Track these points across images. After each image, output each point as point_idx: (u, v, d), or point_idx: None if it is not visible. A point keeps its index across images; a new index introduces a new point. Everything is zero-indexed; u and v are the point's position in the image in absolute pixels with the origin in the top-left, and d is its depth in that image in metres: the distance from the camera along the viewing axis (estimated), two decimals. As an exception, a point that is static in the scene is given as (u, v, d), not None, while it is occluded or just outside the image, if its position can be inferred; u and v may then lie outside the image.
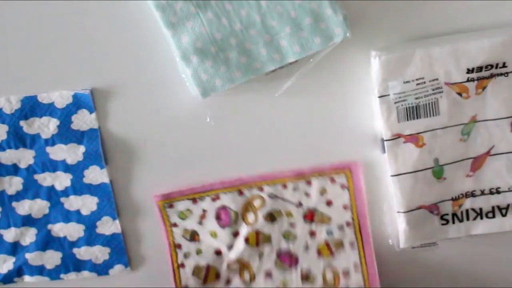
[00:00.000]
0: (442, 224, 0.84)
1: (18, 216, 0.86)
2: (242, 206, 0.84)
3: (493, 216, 0.84)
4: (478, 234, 0.84)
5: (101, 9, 0.75)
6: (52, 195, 0.85)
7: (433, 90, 0.77)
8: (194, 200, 0.84)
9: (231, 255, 0.86)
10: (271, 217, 0.84)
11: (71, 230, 0.87)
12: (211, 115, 0.81)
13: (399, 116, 0.78)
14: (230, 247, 0.86)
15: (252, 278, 0.86)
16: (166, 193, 0.85)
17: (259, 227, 0.84)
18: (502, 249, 0.84)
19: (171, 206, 0.85)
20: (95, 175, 0.84)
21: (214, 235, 0.86)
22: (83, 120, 0.81)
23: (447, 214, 0.84)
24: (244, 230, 0.85)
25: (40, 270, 0.90)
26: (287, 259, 0.85)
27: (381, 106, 0.78)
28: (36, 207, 0.86)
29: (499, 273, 0.85)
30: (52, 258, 0.89)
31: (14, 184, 0.84)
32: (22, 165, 0.84)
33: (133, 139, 0.83)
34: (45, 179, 0.84)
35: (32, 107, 0.80)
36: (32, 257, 0.88)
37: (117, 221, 0.87)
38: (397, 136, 0.79)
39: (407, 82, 0.77)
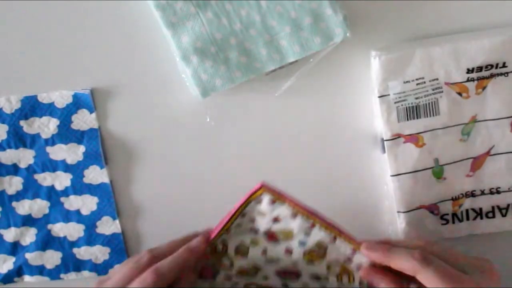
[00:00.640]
0: (442, 224, 0.84)
1: (18, 216, 0.86)
2: None
3: (493, 216, 0.84)
4: (478, 234, 0.84)
5: (101, 9, 0.75)
6: (52, 195, 0.85)
7: (433, 90, 0.77)
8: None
9: None
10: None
11: (71, 230, 0.87)
12: (211, 115, 0.81)
13: (399, 116, 0.78)
14: None
15: None
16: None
17: None
18: (502, 249, 0.83)
19: (259, 201, 0.75)
20: (95, 175, 0.84)
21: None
22: (83, 120, 0.81)
23: (447, 214, 0.83)
24: None
25: (40, 270, 0.89)
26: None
27: (381, 106, 0.78)
28: (36, 207, 0.86)
29: (499, 273, 0.84)
30: (52, 258, 0.89)
31: (14, 184, 0.84)
32: (22, 165, 0.84)
33: (133, 139, 0.83)
34: (45, 179, 0.84)
35: (32, 107, 0.80)
36: (32, 257, 0.88)
37: (117, 221, 0.87)
38: (397, 136, 0.79)
39: (407, 82, 0.77)
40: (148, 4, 0.73)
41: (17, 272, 0.89)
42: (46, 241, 0.88)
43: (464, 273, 0.64)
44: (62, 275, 0.90)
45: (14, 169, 0.84)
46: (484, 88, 0.77)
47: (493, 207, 0.83)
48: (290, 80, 0.78)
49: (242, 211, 0.74)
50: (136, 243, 0.90)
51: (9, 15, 0.76)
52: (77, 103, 0.80)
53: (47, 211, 0.86)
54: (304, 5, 0.74)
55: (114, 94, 0.80)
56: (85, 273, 0.90)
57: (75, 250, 0.89)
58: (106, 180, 0.84)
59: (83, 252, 0.89)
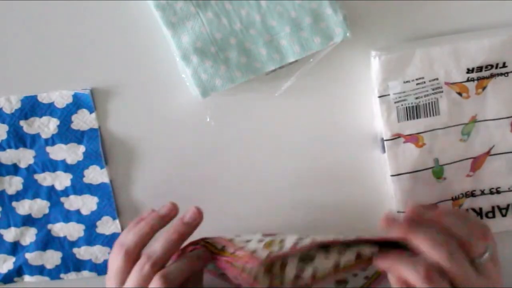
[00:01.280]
0: (442, 224, 0.84)
1: (18, 216, 0.86)
2: None
3: (493, 216, 0.84)
4: (478, 234, 0.84)
5: (101, 9, 0.75)
6: (52, 195, 0.85)
7: (433, 90, 0.77)
8: None
9: None
10: None
11: (71, 230, 0.87)
12: (211, 115, 0.81)
13: (399, 116, 0.78)
14: None
15: None
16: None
17: None
18: (501, 249, 0.83)
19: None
20: (95, 175, 0.84)
21: None
22: (83, 120, 0.81)
23: (447, 214, 0.84)
24: None
25: (40, 270, 0.89)
26: None
27: (381, 106, 0.78)
28: (36, 207, 0.86)
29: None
30: (52, 258, 0.89)
31: (14, 184, 0.84)
32: (22, 165, 0.83)
33: (133, 139, 0.83)
34: (45, 179, 0.84)
35: (32, 107, 0.80)
36: (32, 257, 0.88)
37: (117, 221, 0.87)
38: (397, 136, 0.79)
39: (407, 82, 0.77)
40: (148, 4, 0.73)
41: (17, 272, 0.89)
42: (46, 241, 0.88)
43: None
44: (62, 275, 0.90)
45: (14, 169, 0.84)
46: (484, 88, 0.77)
47: (493, 207, 0.83)
48: (290, 80, 0.78)
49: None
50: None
51: (9, 15, 0.76)
52: (77, 103, 0.80)
53: (47, 211, 0.86)
54: (304, 5, 0.74)
55: (114, 94, 0.80)
56: (85, 273, 0.90)
57: (75, 250, 0.88)
58: (106, 180, 0.84)
59: (83, 252, 0.89)
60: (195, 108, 0.80)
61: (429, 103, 0.78)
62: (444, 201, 0.82)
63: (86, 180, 0.84)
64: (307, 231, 0.75)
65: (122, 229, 0.88)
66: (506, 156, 0.80)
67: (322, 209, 0.85)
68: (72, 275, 0.90)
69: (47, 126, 0.81)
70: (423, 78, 0.77)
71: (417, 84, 0.77)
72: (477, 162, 0.81)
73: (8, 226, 0.86)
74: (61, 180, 0.84)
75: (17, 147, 0.82)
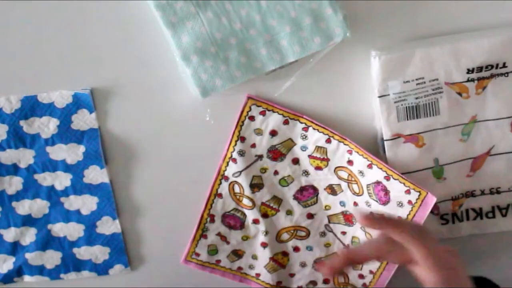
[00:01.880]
0: (442, 224, 0.84)
1: (18, 216, 0.86)
2: None
3: (493, 216, 0.84)
4: (478, 234, 0.84)
5: (101, 9, 0.75)
6: (52, 195, 0.85)
7: (433, 90, 0.77)
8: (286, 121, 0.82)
9: None
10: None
11: (71, 230, 0.87)
12: (211, 114, 0.81)
13: (399, 116, 0.78)
14: None
15: None
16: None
17: None
18: (502, 249, 0.84)
19: (251, 118, 0.82)
20: (95, 175, 0.84)
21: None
22: (83, 120, 0.81)
23: (447, 214, 0.84)
24: None
25: (40, 270, 0.90)
26: None
27: (381, 106, 0.78)
28: (36, 207, 0.86)
29: (499, 273, 0.84)
30: (52, 258, 0.89)
31: (14, 184, 0.84)
32: (22, 165, 0.83)
33: (133, 139, 0.83)
34: (45, 179, 0.84)
35: (32, 107, 0.80)
36: (32, 257, 0.88)
37: (117, 221, 0.87)
38: (397, 136, 0.79)
39: (407, 82, 0.77)
40: (148, 4, 0.73)
41: (17, 272, 0.89)
42: (46, 241, 0.88)
43: None
44: (62, 275, 0.91)
45: (14, 169, 0.84)
46: (484, 88, 0.77)
47: (493, 207, 0.83)
48: (290, 80, 0.78)
49: (240, 134, 0.80)
50: (136, 243, 0.90)
51: (9, 16, 0.76)
52: (77, 103, 0.80)
53: (47, 211, 0.86)
54: (304, 5, 0.73)
55: (114, 94, 0.80)
56: (85, 273, 0.91)
57: (75, 250, 0.89)
58: (106, 180, 0.84)
59: (83, 252, 0.89)
60: (195, 108, 0.80)
61: (429, 103, 0.78)
62: (444, 201, 0.83)
63: (86, 180, 0.84)
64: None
65: (122, 229, 0.88)
66: (506, 156, 0.81)
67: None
68: (72, 275, 0.91)
69: (47, 126, 0.81)
70: (423, 78, 0.77)
71: (417, 84, 0.77)
72: (477, 162, 0.81)
73: (8, 226, 0.87)
74: (61, 180, 0.85)
75: (17, 147, 0.82)
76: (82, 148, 0.82)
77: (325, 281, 0.90)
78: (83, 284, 0.92)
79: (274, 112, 0.80)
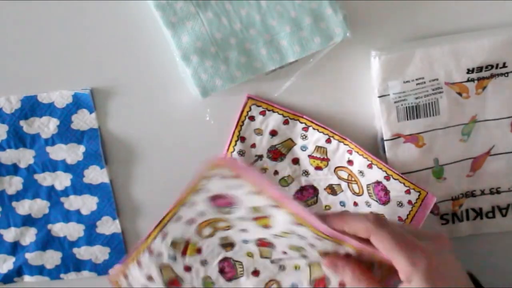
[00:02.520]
0: (442, 224, 0.84)
1: (18, 216, 0.86)
2: None
3: (493, 216, 0.84)
4: (478, 234, 0.84)
5: (101, 9, 0.75)
6: (52, 195, 0.85)
7: (433, 90, 0.77)
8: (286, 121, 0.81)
9: None
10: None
11: (71, 230, 0.87)
12: (211, 114, 0.81)
13: (399, 116, 0.78)
14: None
15: None
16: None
17: None
18: (502, 249, 0.83)
19: (251, 118, 0.81)
20: (95, 175, 0.84)
21: None
22: (83, 120, 0.81)
23: (447, 214, 0.84)
24: None
25: (40, 270, 0.89)
26: None
27: (381, 106, 0.78)
28: (36, 207, 0.86)
29: (499, 273, 0.85)
30: (52, 258, 0.89)
31: (14, 184, 0.84)
32: (22, 165, 0.83)
33: (133, 139, 0.83)
34: (45, 179, 0.84)
35: (32, 107, 0.80)
36: (32, 257, 0.88)
37: (117, 221, 0.87)
38: (397, 136, 0.79)
39: (407, 82, 0.77)
40: (148, 4, 0.73)
41: (17, 272, 0.89)
42: (46, 241, 0.88)
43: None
44: (62, 275, 0.90)
45: (14, 169, 0.83)
46: (484, 88, 0.77)
47: (493, 207, 0.83)
48: (290, 80, 0.78)
49: (240, 134, 0.80)
50: (136, 243, 0.89)
51: (9, 15, 0.76)
52: (77, 103, 0.80)
53: (47, 211, 0.86)
54: (304, 5, 0.74)
55: (114, 94, 0.80)
56: (85, 273, 0.90)
57: (75, 250, 0.89)
58: (106, 180, 0.84)
59: (83, 252, 0.89)
60: (195, 107, 0.80)
61: (429, 103, 0.78)
62: (444, 201, 0.82)
63: (86, 180, 0.84)
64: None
65: (122, 229, 0.88)
66: (506, 156, 0.80)
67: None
68: (72, 275, 0.90)
69: (47, 126, 0.81)
70: (423, 78, 0.77)
71: (417, 84, 0.77)
72: (477, 162, 0.81)
73: (8, 226, 0.86)
74: (61, 180, 0.84)
75: (17, 147, 0.82)
76: (82, 148, 0.82)
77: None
78: (83, 284, 0.92)
79: (274, 112, 0.80)
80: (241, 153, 0.81)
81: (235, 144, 0.81)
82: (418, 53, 0.76)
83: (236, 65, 0.75)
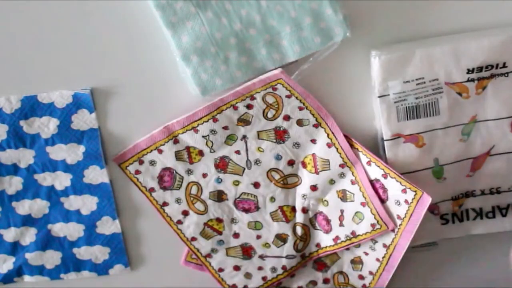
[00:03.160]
0: (442, 224, 0.84)
1: (18, 216, 0.86)
2: None
3: (493, 216, 0.84)
4: (478, 234, 0.84)
5: (101, 9, 0.75)
6: (52, 195, 0.85)
7: (433, 90, 0.77)
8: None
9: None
10: None
11: (71, 230, 0.87)
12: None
13: (399, 116, 0.78)
14: None
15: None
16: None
17: None
18: (502, 249, 0.83)
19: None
20: (95, 175, 0.84)
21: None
22: (83, 120, 0.80)
23: (447, 214, 0.84)
24: None
25: (40, 270, 0.89)
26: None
27: (381, 106, 0.78)
28: (36, 207, 0.85)
29: (499, 273, 0.85)
30: (52, 258, 0.89)
31: (14, 184, 0.84)
32: (22, 165, 0.83)
33: (133, 139, 0.82)
34: (45, 179, 0.84)
35: (32, 107, 0.79)
36: (32, 257, 0.88)
37: (117, 221, 0.87)
38: (397, 136, 0.79)
39: (407, 82, 0.77)
40: (148, 4, 0.73)
41: (17, 272, 0.89)
42: (46, 241, 0.87)
43: None
44: (62, 275, 0.90)
45: (14, 169, 0.83)
46: (484, 88, 0.77)
47: (493, 207, 0.83)
48: (290, 80, 0.78)
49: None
50: (136, 243, 0.90)
51: (10, 16, 0.75)
52: (77, 103, 0.80)
53: (47, 211, 0.86)
54: (304, 5, 0.74)
55: (114, 94, 0.80)
56: (85, 273, 0.90)
57: (75, 250, 0.88)
58: (106, 180, 0.84)
59: (83, 252, 0.89)
60: (195, 107, 0.79)
61: (429, 103, 0.78)
62: (444, 201, 0.82)
63: (86, 180, 0.84)
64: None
65: (122, 229, 0.88)
66: (506, 156, 0.80)
67: (322, 209, 0.85)
68: (72, 275, 0.90)
69: (47, 126, 0.81)
70: (423, 78, 0.77)
71: (417, 84, 0.77)
72: (477, 162, 0.81)
73: (8, 226, 0.86)
74: (61, 180, 0.84)
75: (17, 147, 0.82)
76: (82, 148, 0.82)
77: (325, 281, 0.90)
78: (83, 284, 0.92)
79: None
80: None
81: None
82: (418, 53, 0.76)
83: (236, 65, 0.75)
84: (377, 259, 0.84)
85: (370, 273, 0.87)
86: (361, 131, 0.82)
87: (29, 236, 0.87)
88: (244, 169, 0.83)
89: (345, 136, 0.80)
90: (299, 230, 0.86)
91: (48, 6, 0.75)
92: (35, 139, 0.81)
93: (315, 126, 0.80)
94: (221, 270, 0.89)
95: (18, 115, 0.80)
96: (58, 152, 0.82)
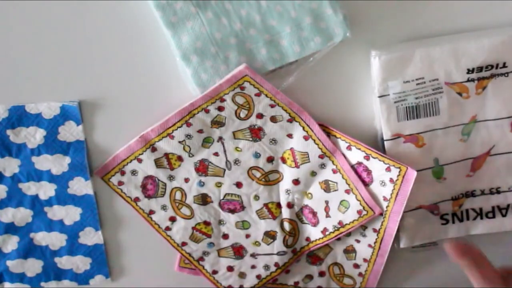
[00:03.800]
0: (442, 224, 0.84)
1: (1, 223, 0.84)
2: None
3: (493, 216, 0.85)
4: (478, 234, 0.85)
5: (101, 9, 0.73)
6: (36, 204, 0.83)
7: (433, 90, 0.77)
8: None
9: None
10: None
11: (54, 239, 0.86)
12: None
13: (399, 116, 0.78)
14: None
15: None
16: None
17: None
18: (502, 249, 0.85)
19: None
20: (80, 186, 0.82)
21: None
22: (69, 132, 0.79)
23: (447, 214, 0.84)
24: None
25: (20, 278, 0.88)
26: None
27: (381, 106, 0.77)
28: (19, 215, 0.84)
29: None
30: (33, 266, 0.87)
31: (-2, 191, 0.82)
32: (7, 174, 0.81)
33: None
34: (30, 188, 0.82)
35: (19, 117, 0.78)
36: (13, 265, 0.87)
37: (99, 232, 0.86)
38: (397, 136, 0.78)
39: (407, 82, 0.76)
40: (148, 4, 0.71)
41: (-2, 278, 0.87)
42: (28, 249, 0.86)
43: None
44: (42, 284, 0.89)
45: (-2, 177, 0.81)
46: (484, 88, 0.78)
47: (493, 207, 0.84)
48: (290, 80, 0.77)
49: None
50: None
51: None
52: (65, 114, 0.78)
53: (30, 219, 0.84)
54: (304, 5, 0.73)
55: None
56: (66, 282, 0.89)
57: (56, 259, 0.87)
58: (90, 191, 0.83)
59: (64, 262, 0.88)
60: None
61: (429, 103, 0.77)
62: (444, 201, 0.83)
63: (70, 191, 0.83)
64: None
65: (104, 241, 0.87)
66: (506, 156, 0.81)
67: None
68: (52, 284, 0.89)
69: (33, 136, 0.79)
70: (423, 78, 0.76)
71: (417, 84, 0.76)
72: (477, 162, 0.81)
73: (-10, 233, 0.84)
74: (46, 190, 0.82)
75: (2, 156, 0.80)
76: (67, 159, 0.81)
77: (321, 274, 0.90)
78: (63, 293, 0.89)
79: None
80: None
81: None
82: (418, 53, 0.76)
83: (236, 65, 0.74)
84: (369, 245, 0.85)
85: (365, 260, 0.87)
86: (361, 131, 0.81)
87: (11, 243, 0.86)
88: (225, 170, 0.82)
89: (321, 125, 0.80)
90: (287, 226, 0.85)
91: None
92: (21, 148, 0.80)
93: (289, 121, 0.79)
94: (215, 272, 0.89)
95: (5, 124, 0.78)
96: (43, 162, 0.81)
